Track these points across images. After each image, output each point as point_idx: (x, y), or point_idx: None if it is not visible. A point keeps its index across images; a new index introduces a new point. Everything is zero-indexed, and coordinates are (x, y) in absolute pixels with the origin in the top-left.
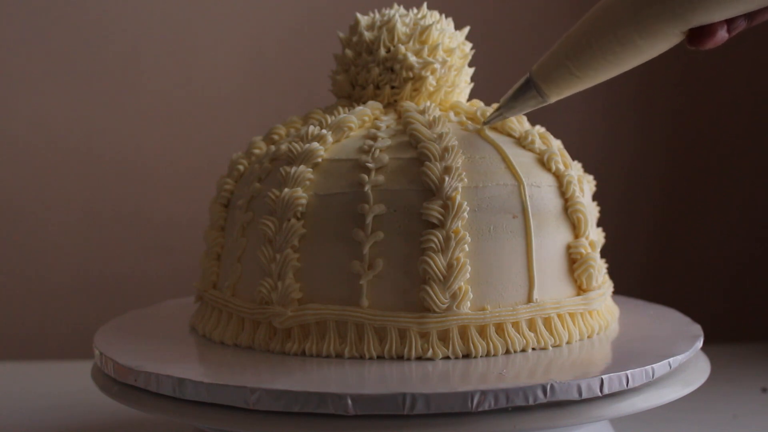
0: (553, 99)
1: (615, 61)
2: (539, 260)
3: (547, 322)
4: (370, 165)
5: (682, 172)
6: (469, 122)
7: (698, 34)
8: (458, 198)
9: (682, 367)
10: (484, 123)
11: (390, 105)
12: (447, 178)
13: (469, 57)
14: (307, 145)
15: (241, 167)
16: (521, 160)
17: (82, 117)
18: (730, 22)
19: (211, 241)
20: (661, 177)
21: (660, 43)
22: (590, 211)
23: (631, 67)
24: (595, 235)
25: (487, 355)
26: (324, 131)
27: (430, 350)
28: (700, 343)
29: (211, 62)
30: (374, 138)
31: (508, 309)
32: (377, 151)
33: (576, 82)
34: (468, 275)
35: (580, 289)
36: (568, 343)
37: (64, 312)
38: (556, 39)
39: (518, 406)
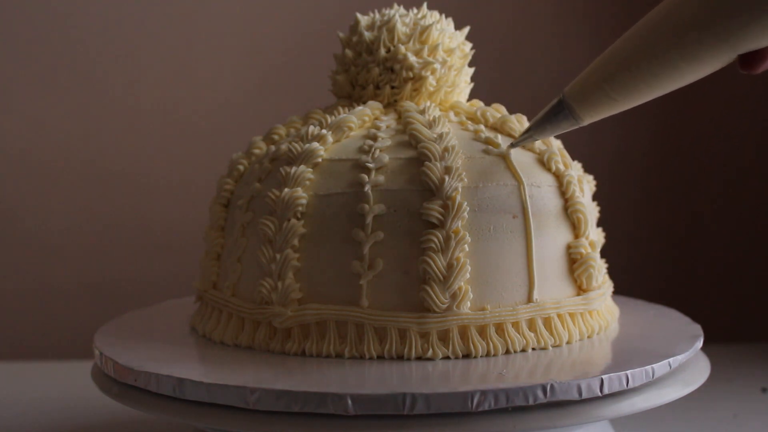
0: (587, 121)
1: (656, 85)
2: (539, 260)
3: (547, 322)
4: (370, 165)
5: (682, 172)
6: (470, 122)
7: (750, 59)
8: (458, 198)
9: (682, 367)
10: (511, 146)
11: (390, 105)
12: (447, 178)
13: (469, 57)
14: (307, 145)
15: (241, 167)
16: (521, 160)
17: (82, 118)
18: None
19: (211, 241)
20: (661, 177)
21: (706, 67)
22: (590, 211)
23: (672, 90)
24: (595, 235)
25: (487, 355)
26: (324, 131)
27: (430, 350)
28: (700, 343)
29: (211, 62)
30: (374, 138)
31: (508, 309)
32: (377, 151)
33: (613, 105)
34: (468, 275)
35: (580, 289)
36: (568, 343)
37: (65, 312)
38: (556, 38)
39: (518, 406)
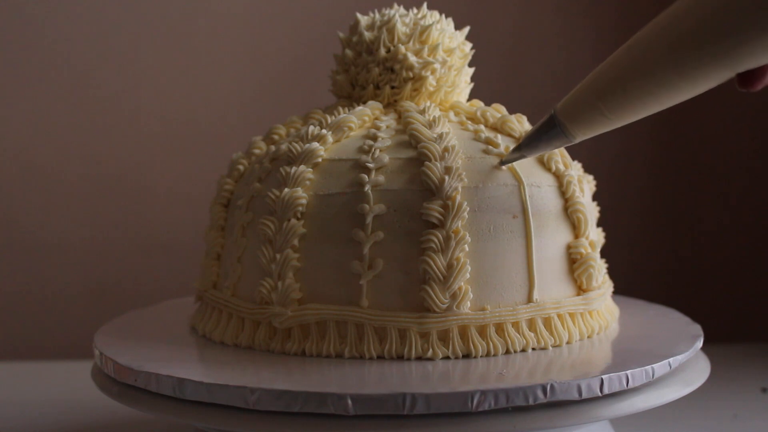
0: (579, 139)
1: (652, 102)
2: (539, 260)
3: (547, 322)
4: (370, 165)
5: (682, 172)
6: (470, 122)
7: (748, 77)
8: (458, 198)
9: (682, 367)
10: (501, 163)
11: (390, 105)
12: (447, 178)
13: (469, 57)
14: (307, 145)
15: (241, 167)
16: (521, 160)
17: (82, 119)
18: None
19: (211, 241)
20: (661, 176)
21: (703, 85)
22: (590, 211)
23: (668, 107)
24: (595, 235)
25: (487, 355)
26: (324, 131)
27: (430, 350)
28: (700, 343)
29: (211, 63)
30: (374, 138)
31: (508, 309)
32: (377, 151)
33: (606, 123)
34: (468, 275)
35: (580, 289)
36: (568, 343)
37: (65, 312)
38: (557, 38)
39: (518, 406)
